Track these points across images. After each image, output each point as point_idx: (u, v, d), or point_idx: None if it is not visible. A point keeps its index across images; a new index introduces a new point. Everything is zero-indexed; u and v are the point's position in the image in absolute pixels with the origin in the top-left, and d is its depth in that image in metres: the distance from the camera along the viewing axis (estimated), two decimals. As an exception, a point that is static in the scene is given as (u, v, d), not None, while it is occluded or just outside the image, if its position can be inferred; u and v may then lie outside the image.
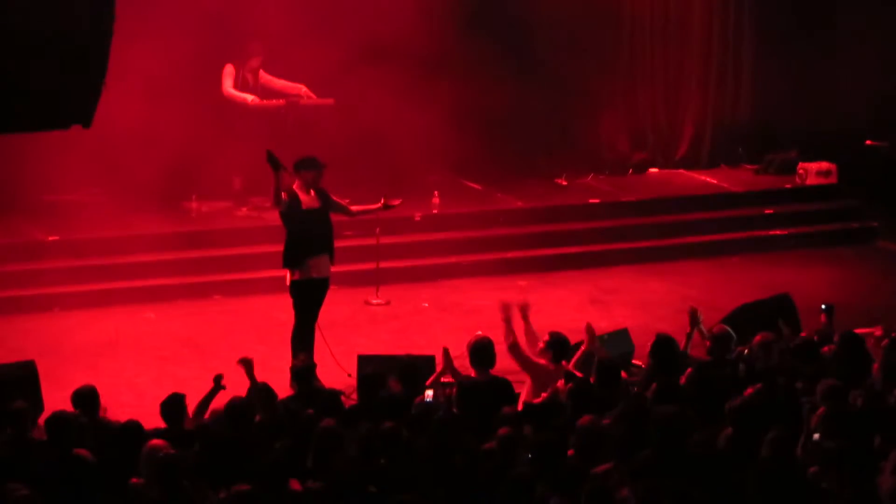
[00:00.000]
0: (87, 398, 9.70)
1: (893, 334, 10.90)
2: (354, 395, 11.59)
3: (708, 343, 11.10)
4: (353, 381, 11.99)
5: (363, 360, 12.01)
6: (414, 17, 16.35)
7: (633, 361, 12.19)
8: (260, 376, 10.28)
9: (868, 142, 18.89)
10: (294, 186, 12.26)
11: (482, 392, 10.18)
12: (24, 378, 11.25)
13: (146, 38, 14.89)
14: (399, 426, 8.87)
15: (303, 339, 12.25)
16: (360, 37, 16.19)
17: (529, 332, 11.16)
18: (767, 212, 17.88)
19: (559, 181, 18.25)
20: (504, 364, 10.88)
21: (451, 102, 16.62)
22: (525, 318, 11.16)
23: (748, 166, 19.26)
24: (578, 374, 10.48)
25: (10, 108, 9.17)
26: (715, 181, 18.74)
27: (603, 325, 11.24)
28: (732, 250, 17.06)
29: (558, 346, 10.79)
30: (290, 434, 9.18)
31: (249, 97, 16.02)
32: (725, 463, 8.49)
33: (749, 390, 9.52)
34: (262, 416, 9.68)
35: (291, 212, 12.23)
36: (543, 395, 10.30)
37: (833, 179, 18.42)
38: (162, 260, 15.10)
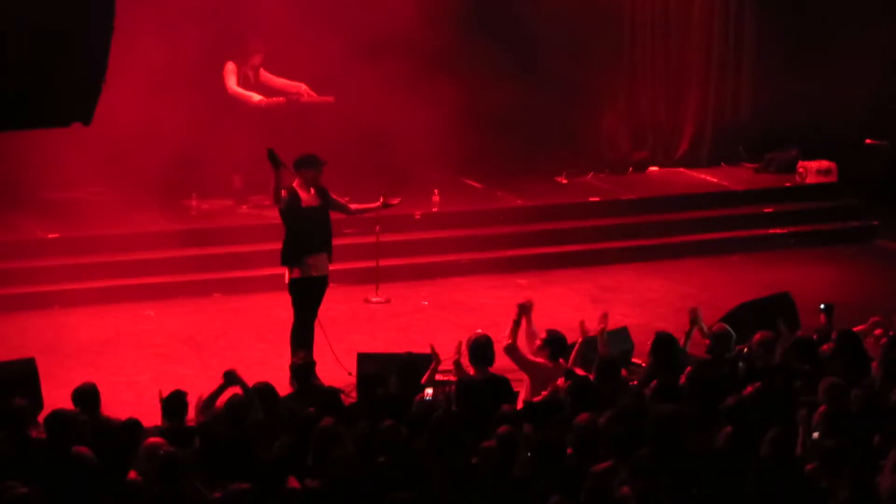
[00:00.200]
0: (87, 396, 9.70)
1: (891, 332, 10.91)
2: (354, 394, 11.60)
3: (708, 342, 11.11)
4: (353, 380, 11.99)
5: (363, 359, 12.01)
6: (414, 15, 16.34)
7: (633, 360, 12.19)
8: (259, 374, 10.29)
9: (868, 141, 18.90)
10: (294, 184, 12.27)
11: (481, 390, 10.18)
12: (24, 375, 11.25)
13: (146, 35, 14.89)
14: (398, 424, 8.87)
15: (302, 337, 12.25)
16: (361, 35, 16.18)
17: (530, 331, 11.17)
18: (767, 210, 17.88)
19: (559, 179, 18.24)
20: (503, 362, 10.88)
21: (452, 101, 16.61)
22: (528, 318, 11.18)
23: (748, 165, 19.25)
24: (579, 372, 10.49)
25: (11, 106, 9.17)
26: (715, 180, 18.73)
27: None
28: (732, 249, 17.06)
29: (556, 344, 10.80)
30: (290, 432, 9.18)
31: (256, 96, 16.01)
32: (724, 461, 8.49)
33: (748, 389, 9.53)
34: (261, 414, 9.68)
35: (291, 210, 12.23)
36: (544, 393, 10.30)
37: (833, 178, 18.43)
38: (162, 257, 15.10)
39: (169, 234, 15.42)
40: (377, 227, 14.58)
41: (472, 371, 10.60)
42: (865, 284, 15.89)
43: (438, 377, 10.67)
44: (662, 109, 19.20)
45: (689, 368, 10.30)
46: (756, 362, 10.58)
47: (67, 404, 9.60)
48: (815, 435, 9.10)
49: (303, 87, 16.23)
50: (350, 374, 12.20)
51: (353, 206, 12.96)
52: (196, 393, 10.02)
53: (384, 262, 15.02)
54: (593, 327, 11.16)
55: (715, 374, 10.32)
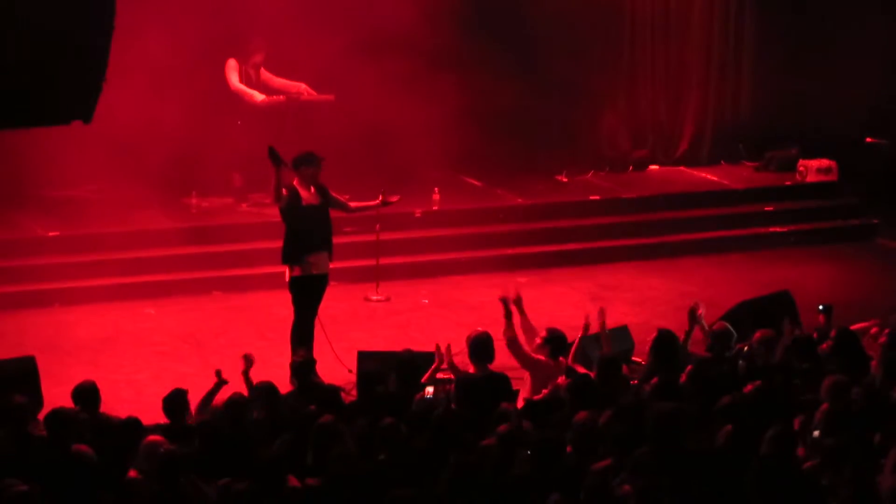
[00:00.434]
0: (87, 394, 9.70)
1: (887, 330, 10.90)
2: (354, 391, 11.60)
3: (708, 340, 11.11)
4: (353, 377, 12.00)
5: (363, 357, 12.02)
6: (415, 13, 16.33)
7: (633, 358, 12.19)
8: (260, 372, 10.29)
9: (868, 139, 18.90)
10: (294, 183, 12.26)
11: (480, 388, 10.18)
12: (24, 374, 11.25)
13: (146, 33, 14.88)
14: (398, 422, 8.88)
15: (302, 335, 12.25)
16: (361, 33, 16.18)
17: (526, 325, 11.16)
18: (767, 209, 17.88)
19: (559, 178, 18.24)
20: (503, 360, 10.88)
21: (452, 99, 16.61)
22: (521, 310, 11.17)
23: (748, 163, 19.26)
24: (580, 370, 10.50)
25: (11, 104, 9.17)
26: (715, 178, 18.73)
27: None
28: (732, 247, 17.06)
29: (556, 342, 10.80)
30: (291, 430, 9.18)
31: (258, 95, 16.01)
32: (724, 460, 8.49)
33: (748, 387, 9.53)
34: (262, 412, 9.68)
35: (292, 208, 12.23)
36: (544, 391, 10.31)
37: (833, 177, 18.43)
38: (162, 255, 15.10)
39: (169, 232, 15.42)
40: (377, 226, 14.57)
41: (471, 369, 10.60)
42: (865, 283, 15.89)
43: (439, 375, 10.67)
44: (663, 108, 19.20)
45: (689, 367, 10.30)
46: (756, 361, 10.58)
47: (67, 402, 9.61)
48: (816, 433, 9.10)
49: (303, 86, 16.23)
50: (350, 371, 12.21)
51: (353, 204, 12.96)
52: (196, 391, 10.03)
53: (384, 261, 15.03)
54: (592, 324, 11.15)
55: (715, 372, 10.32)
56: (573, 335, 11.12)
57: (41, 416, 9.43)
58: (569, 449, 8.66)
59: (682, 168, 19.17)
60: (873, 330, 11.31)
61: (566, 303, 14.64)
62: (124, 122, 14.69)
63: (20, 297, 14.30)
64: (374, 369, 10.91)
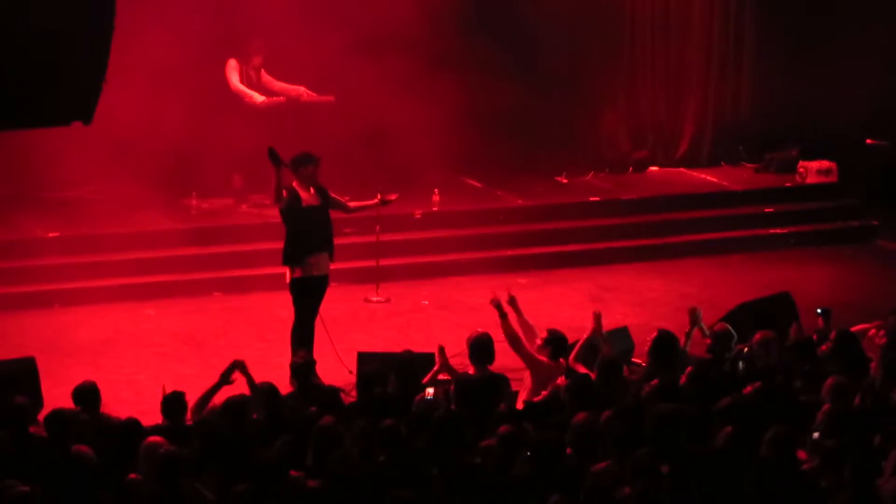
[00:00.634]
0: (88, 395, 9.70)
1: (881, 332, 10.90)
2: (354, 393, 11.60)
3: (708, 341, 11.11)
4: (354, 378, 11.99)
5: (363, 358, 12.02)
6: (415, 14, 16.33)
7: (633, 359, 12.19)
8: (260, 373, 10.29)
9: (868, 140, 18.90)
10: (293, 184, 12.26)
11: (480, 389, 10.17)
12: (24, 374, 11.26)
13: (146, 34, 14.88)
14: (398, 424, 8.87)
15: (303, 336, 12.25)
16: (361, 34, 16.18)
17: (524, 324, 11.15)
18: (767, 210, 17.88)
19: (559, 179, 18.24)
20: (503, 361, 10.88)
21: (452, 100, 16.61)
22: (516, 310, 11.16)
23: (748, 165, 19.26)
24: (580, 370, 10.49)
25: (11, 105, 9.17)
26: (715, 179, 18.73)
27: (603, 323, 11.22)
28: (732, 249, 17.06)
29: (557, 343, 10.80)
30: (291, 432, 9.18)
31: (258, 96, 16.01)
32: (724, 461, 8.49)
33: (748, 388, 9.53)
34: (261, 413, 9.68)
35: (292, 209, 12.23)
36: (544, 392, 10.30)
37: (833, 178, 18.42)
38: (162, 257, 15.10)
39: (169, 233, 15.42)
40: (377, 227, 14.57)
41: (470, 370, 10.60)
42: (865, 284, 15.89)
43: (440, 376, 10.67)
44: (662, 109, 19.20)
45: (689, 368, 10.30)
46: (756, 362, 10.58)
47: (67, 403, 9.61)
48: (815, 435, 9.10)
49: (302, 89, 16.23)
50: (351, 372, 12.21)
51: (352, 204, 12.96)
52: (196, 392, 10.03)
53: (384, 262, 15.02)
54: (586, 327, 11.13)
55: (715, 373, 10.32)
56: (573, 336, 11.11)
57: (41, 416, 9.43)
58: (569, 450, 8.66)
59: (682, 169, 19.17)
60: (871, 332, 11.32)
61: (566, 304, 14.64)
62: (124, 123, 14.70)
63: (20, 298, 14.30)
64: (374, 370, 10.91)
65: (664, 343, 10.57)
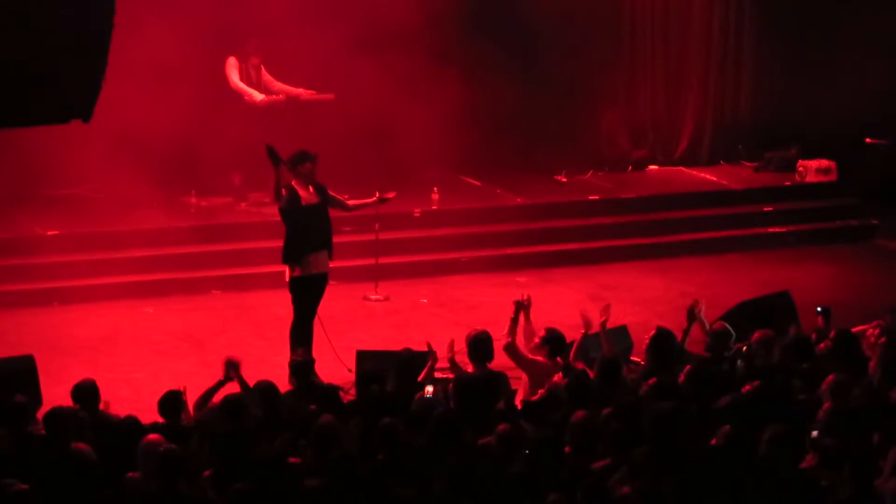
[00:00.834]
0: (87, 393, 9.69)
1: (878, 331, 10.89)
2: (353, 391, 11.59)
3: (707, 339, 11.11)
4: (353, 377, 11.99)
5: (361, 356, 12.02)
6: (415, 12, 16.34)
7: (632, 358, 12.18)
8: (258, 371, 10.29)
9: (868, 139, 18.90)
10: (292, 183, 12.25)
11: (478, 387, 10.16)
12: (22, 372, 11.24)
13: (146, 32, 14.88)
14: (396, 422, 8.87)
15: (301, 334, 12.25)
16: (361, 32, 16.17)
17: (528, 330, 11.16)
18: (767, 209, 17.88)
19: (559, 178, 18.24)
20: (503, 359, 10.88)
21: (452, 98, 16.61)
22: (527, 317, 11.17)
23: (748, 164, 19.26)
24: (578, 366, 10.49)
25: (10, 103, 9.16)
26: (714, 178, 18.74)
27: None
28: (732, 247, 17.07)
29: (555, 342, 10.79)
30: (291, 430, 9.18)
31: (258, 94, 16.01)
32: (723, 460, 8.49)
33: (747, 387, 9.53)
34: (259, 412, 9.67)
35: (291, 207, 12.23)
36: (541, 391, 10.29)
37: (832, 177, 18.43)
38: (161, 255, 15.10)
39: (168, 231, 15.42)
40: (376, 225, 14.57)
41: (470, 368, 10.59)
42: (864, 283, 15.89)
43: (438, 374, 10.66)
44: (662, 108, 19.21)
45: (688, 367, 10.29)
46: (755, 361, 10.58)
47: (66, 401, 9.60)
48: (814, 433, 9.09)
49: (301, 90, 16.22)
50: (350, 370, 12.20)
51: (351, 203, 12.96)
52: (195, 390, 10.02)
53: (383, 260, 15.03)
54: (595, 320, 11.13)
55: (714, 372, 10.32)
56: (572, 335, 11.11)
57: (40, 415, 9.42)
58: (567, 449, 8.66)
59: (681, 168, 19.18)
60: (869, 331, 11.31)
61: (565, 303, 14.62)
62: (124, 121, 14.70)
63: (19, 296, 14.30)
64: (373, 369, 10.90)
65: (662, 340, 10.56)
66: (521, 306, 11.06)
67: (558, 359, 10.74)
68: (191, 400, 9.88)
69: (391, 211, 14.70)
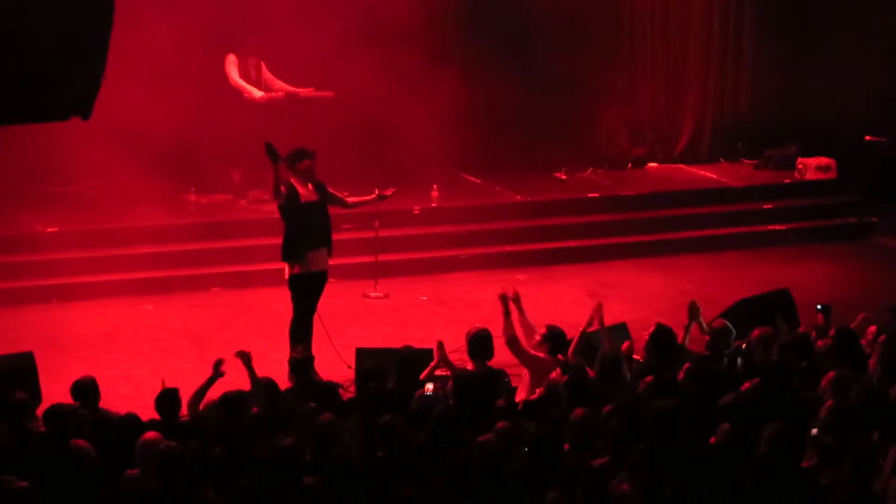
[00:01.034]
0: (86, 390, 9.69)
1: (875, 328, 10.89)
2: (352, 388, 11.60)
3: (707, 337, 11.11)
4: (352, 374, 11.99)
5: (361, 353, 12.02)
6: (414, 10, 16.34)
7: (633, 356, 12.17)
8: (258, 369, 10.28)
9: (867, 137, 18.90)
10: (291, 180, 12.24)
11: (478, 384, 10.17)
12: (22, 369, 11.24)
13: (145, 29, 14.88)
14: (396, 419, 8.87)
15: (301, 331, 12.25)
16: (361, 30, 16.18)
17: (525, 323, 11.15)
18: (766, 207, 17.88)
19: (558, 175, 18.25)
20: (502, 357, 10.88)
21: (451, 96, 16.62)
22: (519, 308, 11.15)
23: (747, 161, 19.27)
24: (575, 361, 10.49)
25: (10, 100, 9.16)
26: (714, 176, 18.74)
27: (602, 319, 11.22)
28: (731, 245, 17.07)
29: (555, 339, 10.79)
30: (290, 427, 9.17)
31: (257, 92, 16.00)
32: (722, 458, 8.49)
33: (746, 385, 9.53)
34: (261, 409, 9.68)
35: (290, 205, 12.22)
36: (540, 389, 10.29)
37: (832, 175, 18.44)
38: (161, 252, 15.10)
39: (168, 229, 15.41)
40: (376, 222, 14.57)
41: (469, 365, 10.59)
42: (864, 281, 15.90)
43: (438, 372, 10.66)
44: (662, 105, 19.21)
45: (687, 364, 10.29)
46: (755, 358, 10.58)
47: (66, 398, 9.60)
48: (814, 431, 9.09)
49: (301, 88, 16.22)
50: (350, 367, 12.20)
51: (351, 200, 12.95)
52: (194, 388, 10.02)
53: (383, 257, 15.03)
54: (586, 321, 11.12)
55: (713, 369, 10.32)
56: (572, 332, 11.11)
57: (40, 411, 9.42)
58: (567, 446, 8.66)
59: (681, 166, 19.18)
60: (871, 329, 11.30)
61: (565, 300, 14.64)
62: (123, 118, 14.68)
63: (19, 293, 14.30)
64: (373, 366, 10.90)
65: (661, 336, 10.56)
66: (506, 300, 11.01)
67: (559, 356, 10.74)
68: (184, 398, 9.86)
69: (391, 208, 14.70)
